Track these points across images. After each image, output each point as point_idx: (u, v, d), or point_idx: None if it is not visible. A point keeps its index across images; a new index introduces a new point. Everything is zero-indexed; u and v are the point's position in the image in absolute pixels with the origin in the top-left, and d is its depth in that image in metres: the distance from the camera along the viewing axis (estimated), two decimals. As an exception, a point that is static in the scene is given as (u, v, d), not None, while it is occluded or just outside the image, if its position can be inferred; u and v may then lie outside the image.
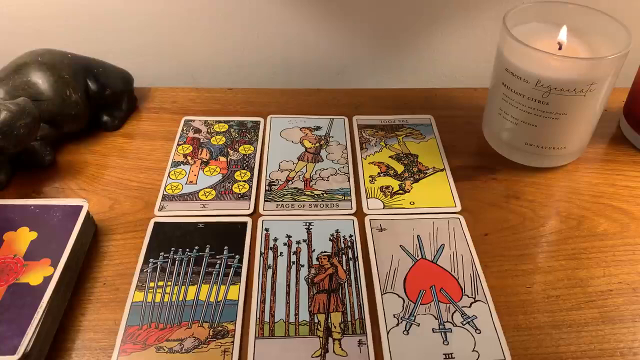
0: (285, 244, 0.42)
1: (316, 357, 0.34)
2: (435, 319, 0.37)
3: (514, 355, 0.35)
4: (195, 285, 0.38)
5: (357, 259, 0.40)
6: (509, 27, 0.44)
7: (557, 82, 0.42)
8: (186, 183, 0.47)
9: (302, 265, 0.40)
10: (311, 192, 0.46)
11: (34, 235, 0.39)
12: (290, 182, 0.47)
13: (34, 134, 0.44)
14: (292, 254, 0.41)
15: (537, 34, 0.45)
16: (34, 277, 0.36)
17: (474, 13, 0.61)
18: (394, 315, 0.37)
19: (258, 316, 0.37)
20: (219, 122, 0.54)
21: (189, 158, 0.49)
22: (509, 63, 0.44)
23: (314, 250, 0.41)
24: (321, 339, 0.35)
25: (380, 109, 0.56)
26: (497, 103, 0.47)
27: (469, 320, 0.37)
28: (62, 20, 0.61)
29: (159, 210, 0.44)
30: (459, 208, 0.45)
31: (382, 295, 0.38)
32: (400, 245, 0.42)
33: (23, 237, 0.39)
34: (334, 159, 0.50)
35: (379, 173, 0.48)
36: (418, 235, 0.42)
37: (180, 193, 0.46)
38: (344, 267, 0.40)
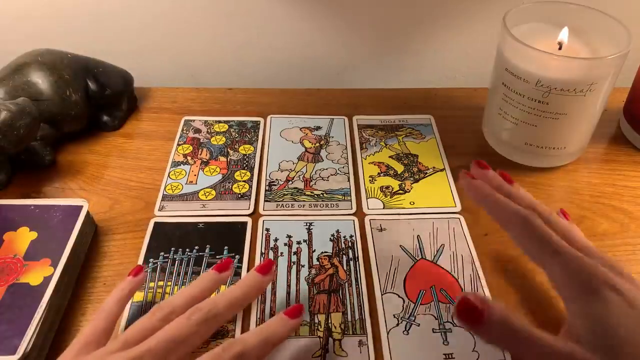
0: (285, 244, 0.42)
1: (316, 357, 0.34)
2: (435, 319, 0.37)
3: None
4: (196, 285, 0.38)
5: (358, 259, 0.40)
6: (509, 27, 0.44)
7: (557, 82, 0.42)
8: (186, 183, 0.47)
9: (303, 266, 0.40)
10: (311, 192, 0.46)
11: (34, 235, 0.39)
12: (290, 182, 0.47)
13: (34, 134, 0.44)
14: (292, 254, 0.41)
15: (537, 34, 0.45)
16: (34, 277, 0.36)
17: (473, 13, 0.61)
18: (394, 315, 0.37)
19: (258, 316, 0.37)
20: (219, 122, 0.54)
21: (189, 158, 0.49)
22: (509, 63, 0.44)
23: (315, 250, 0.41)
24: (321, 339, 0.35)
25: (380, 109, 0.56)
26: (497, 103, 0.47)
27: (469, 320, 0.37)
28: (62, 20, 0.61)
29: (159, 210, 0.44)
30: (459, 208, 0.45)
31: (382, 295, 0.38)
32: (400, 245, 0.42)
33: (23, 237, 0.39)
34: (334, 159, 0.50)
35: (379, 173, 0.48)
36: (418, 235, 0.42)
37: (180, 193, 0.46)
38: (345, 268, 0.40)
